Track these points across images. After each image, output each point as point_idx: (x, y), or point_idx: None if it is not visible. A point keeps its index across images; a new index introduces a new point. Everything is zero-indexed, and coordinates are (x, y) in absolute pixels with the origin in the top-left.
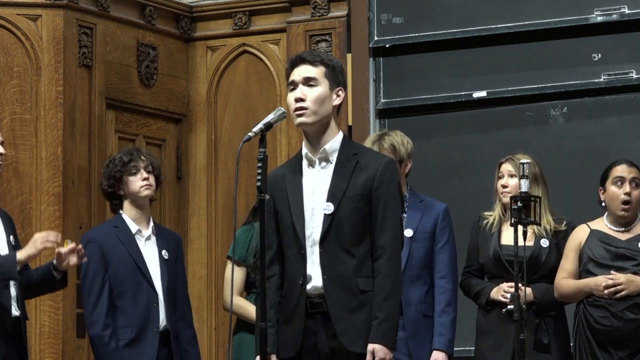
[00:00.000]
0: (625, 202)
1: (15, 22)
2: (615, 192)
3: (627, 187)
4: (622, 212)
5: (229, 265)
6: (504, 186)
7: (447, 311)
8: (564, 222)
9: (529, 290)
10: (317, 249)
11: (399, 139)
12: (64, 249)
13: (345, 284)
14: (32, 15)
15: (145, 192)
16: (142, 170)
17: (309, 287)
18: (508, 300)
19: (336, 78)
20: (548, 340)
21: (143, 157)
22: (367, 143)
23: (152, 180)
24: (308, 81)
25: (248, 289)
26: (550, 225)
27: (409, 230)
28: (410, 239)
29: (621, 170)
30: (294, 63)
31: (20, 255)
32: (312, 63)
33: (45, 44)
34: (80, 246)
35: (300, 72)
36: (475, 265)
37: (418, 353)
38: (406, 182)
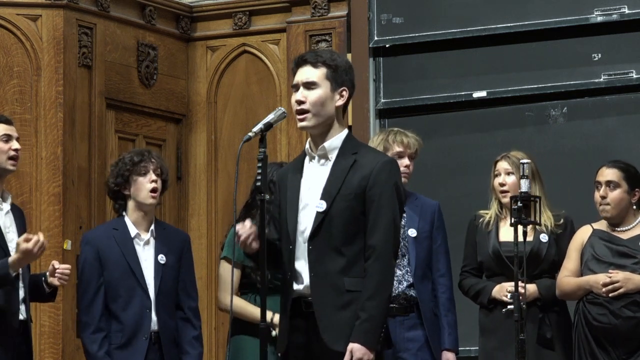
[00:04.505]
0: (601, 205)
1: (15, 22)
2: (595, 196)
3: (602, 191)
4: (604, 214)
5: (223, 264)
6: (502, 184)
7: (452, 310)
8: (562, 218)
9: (533, 286)
10: (307, 245)
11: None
12: (57, 264)
13: (331, 283)
14: (32, 15)
15: (151, 201)
16: (151, 172)
17: (299, 285)
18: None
19: (339, 78)
20: (551, 334)
21: (153, 159)
22: (380, 135)
23: (159, 183)
24: (308, 84)
25: (243, 289)
26: (550, 221)
27: (412, 231)
28: (414, 239)
29: (599, 173)
30: (297, 63)
31: (11, 258)
32: (314, 64)
33: (45, 44)
34: (62, 267)
35: (302, 74)
36: (473, 264)
37: (438, 353)
38: None
